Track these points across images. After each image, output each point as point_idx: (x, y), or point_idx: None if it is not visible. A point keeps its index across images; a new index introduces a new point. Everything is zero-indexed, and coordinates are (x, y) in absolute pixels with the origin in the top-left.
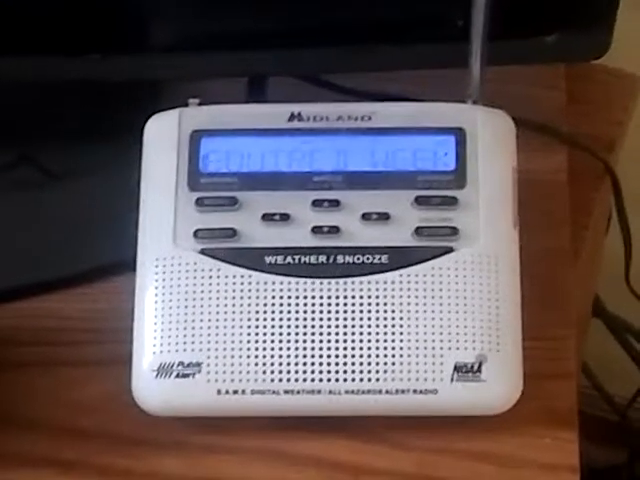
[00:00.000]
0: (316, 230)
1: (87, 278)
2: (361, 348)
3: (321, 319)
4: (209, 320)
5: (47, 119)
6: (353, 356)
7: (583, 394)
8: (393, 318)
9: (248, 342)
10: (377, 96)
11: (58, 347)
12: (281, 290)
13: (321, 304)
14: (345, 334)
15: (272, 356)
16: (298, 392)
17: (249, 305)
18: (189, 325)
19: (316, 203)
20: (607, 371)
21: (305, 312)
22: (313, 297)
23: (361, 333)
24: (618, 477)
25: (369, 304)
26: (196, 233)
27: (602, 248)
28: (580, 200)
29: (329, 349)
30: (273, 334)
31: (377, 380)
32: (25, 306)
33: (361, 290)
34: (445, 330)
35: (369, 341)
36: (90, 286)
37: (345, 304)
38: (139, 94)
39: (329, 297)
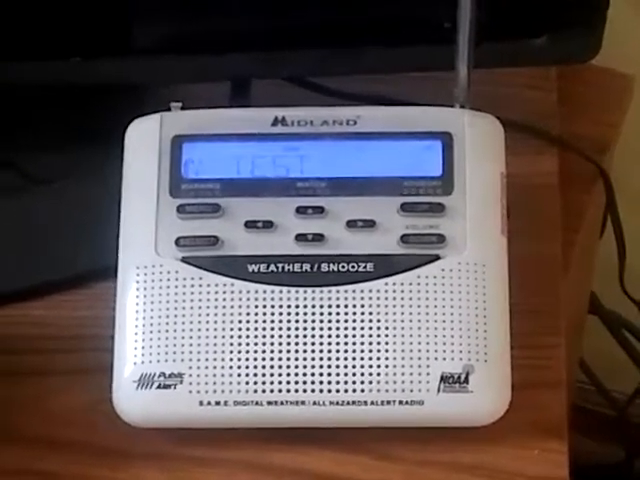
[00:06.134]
0: (300, 237)
1: (68, 285)
2: (346, 358)
3: (305, 329)
4: (191, 330)
5: (28, 124)
6: (337, 366)
7: (581, 390)
8: (378, 328)
9: (231, 352)
10: (363, 98)
11: (38, 355)
12: (264, 299)
13: (305, 313)
14: (330, 344)
15: (255, 366)
16: (282, 403)
17: (232, 314)
18: (170, 335)
19: (300, 210)
20: (604, 367)
21: (289, 321)
22: (297, 306)
23: (346, 343)
24: (616, 473)
25: (354, 313)
26: (178, 241)
27: (597, 249)
28: (572, 203)
29: (313, 359)
30: (256, 344)
31: (362, 391)
32: (4, 313)
33: (346, 299)
34: (431, 340)
35: (354, 351)
36: (71, 293)
37: (330, 313)
38: (121, 98)
39: (313, 306)
